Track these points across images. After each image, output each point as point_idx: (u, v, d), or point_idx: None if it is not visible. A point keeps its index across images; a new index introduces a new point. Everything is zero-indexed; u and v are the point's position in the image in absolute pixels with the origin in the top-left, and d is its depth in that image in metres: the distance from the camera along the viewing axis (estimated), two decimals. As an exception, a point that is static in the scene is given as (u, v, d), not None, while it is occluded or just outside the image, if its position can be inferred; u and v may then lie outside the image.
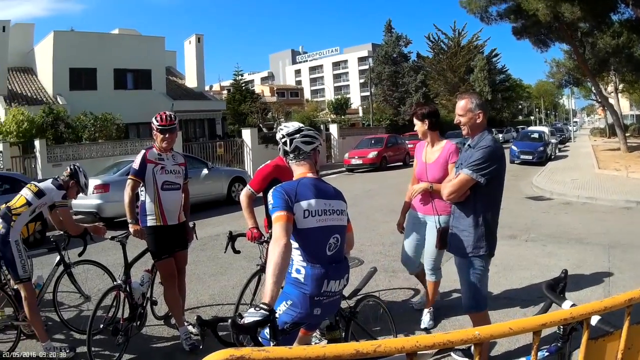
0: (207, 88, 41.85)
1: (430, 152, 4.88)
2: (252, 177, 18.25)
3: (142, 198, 4.86)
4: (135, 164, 4.77)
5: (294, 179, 3.03)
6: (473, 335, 1.61)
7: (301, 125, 3.35)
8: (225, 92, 53.72)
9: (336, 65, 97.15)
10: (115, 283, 4.92)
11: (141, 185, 4.79)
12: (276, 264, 2.50)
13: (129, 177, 4.80)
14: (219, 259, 8.28)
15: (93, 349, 4.39)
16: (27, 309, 4.69)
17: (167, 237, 4.82)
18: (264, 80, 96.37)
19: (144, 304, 5.04)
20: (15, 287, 4.93)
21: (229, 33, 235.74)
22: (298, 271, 2.86)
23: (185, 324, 4.99)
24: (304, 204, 2.81)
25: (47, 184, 5.03)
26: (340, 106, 54.16)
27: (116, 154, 21.05)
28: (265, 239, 4.56)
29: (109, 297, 4.78)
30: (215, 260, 8.26)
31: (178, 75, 39.96)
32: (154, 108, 30.54)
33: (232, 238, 4.75)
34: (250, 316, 2.21)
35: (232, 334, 2.38)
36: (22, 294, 4.73)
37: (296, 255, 2.86)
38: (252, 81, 64.01)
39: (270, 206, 2.79)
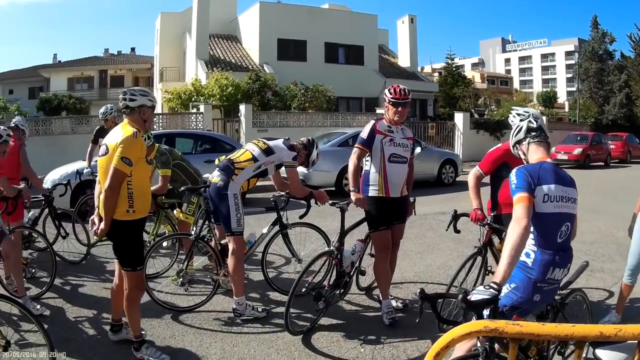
0: (418, 69, 41.79)
1: None
2: (462, 161, 17.79)
3: (366, 168, 5.01)
4: (364, 134, 4.91)
5: (531, 162, 3.13)
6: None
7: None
8: (436, 74, 53.78)
9: (544, 57, 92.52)
10: (327, 249, 5.12)
11: (367, 155, 4.93)
12: (514, 245, 2.62)
13: (356, 145, 4.93)
14: (426, 238, 8.64)
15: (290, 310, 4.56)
16: (233, 262, 4.90)
17: (388, 209, 4.93)
18: (474, 66, 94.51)
19: (352, 273, 5.21)
20: (223, 242, 5.29)
21: (440, 16, 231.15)
22: (527, 255, 2.96)
23: (389, 297, 5.09)
24: (545, 188, 2.92)
25: (278, 143, 5.26)
26: (549, 99, 53.87)
27: (326, 125, 21.96)
28: (488, 221, 4.66)
29: (318, 262, 4.99)
30: (422, 239, 8.57)
31: (390, 53, 40.58)
32: (366, 84, 31.24)
33: (456, 217, 4.80)
34: (479, 294, 2.38)
35: (436, 311, 2.53)
36: (231, 246, 4.96)
37: (528, 239, 2.90)
38: (462, 66, 63.03)
39: (512, 186, 2.91)
